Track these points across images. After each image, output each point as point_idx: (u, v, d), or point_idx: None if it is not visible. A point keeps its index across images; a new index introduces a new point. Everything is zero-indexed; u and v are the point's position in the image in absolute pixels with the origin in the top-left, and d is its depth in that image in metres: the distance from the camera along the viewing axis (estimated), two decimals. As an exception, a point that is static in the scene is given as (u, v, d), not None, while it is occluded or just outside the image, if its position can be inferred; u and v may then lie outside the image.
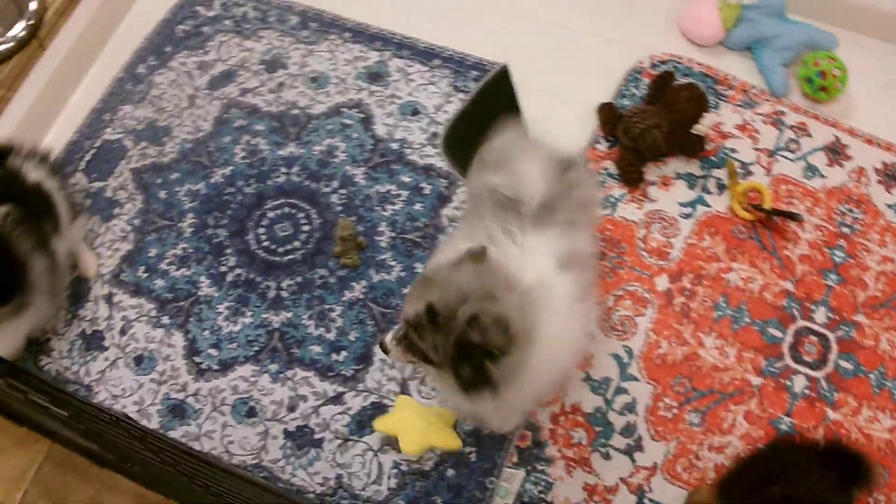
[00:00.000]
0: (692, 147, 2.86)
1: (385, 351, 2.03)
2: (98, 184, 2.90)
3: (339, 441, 2.49)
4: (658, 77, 2.97)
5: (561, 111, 2.93)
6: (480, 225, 2.10)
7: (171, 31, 3.24)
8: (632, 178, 2.83)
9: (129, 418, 1.47)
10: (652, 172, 2.88)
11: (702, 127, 2.82)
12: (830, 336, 2.66)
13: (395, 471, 2.45)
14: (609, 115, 2.91)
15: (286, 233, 2.77)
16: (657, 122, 2.78)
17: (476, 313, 1.84)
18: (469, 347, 1.87)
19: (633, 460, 2.48)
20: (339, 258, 2.70)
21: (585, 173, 2.28)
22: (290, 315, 2.64)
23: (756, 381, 2.58)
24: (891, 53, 3.24)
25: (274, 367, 2.58)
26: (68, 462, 2.54)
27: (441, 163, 2.87)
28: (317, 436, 2.49)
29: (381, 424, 2.45)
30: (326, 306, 2.65)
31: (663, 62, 3.11)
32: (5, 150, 2.47)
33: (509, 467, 2.45)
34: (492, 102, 2.92)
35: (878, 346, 2.66)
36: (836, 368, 2.62)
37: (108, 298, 2.71)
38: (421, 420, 2.42)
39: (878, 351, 2.65)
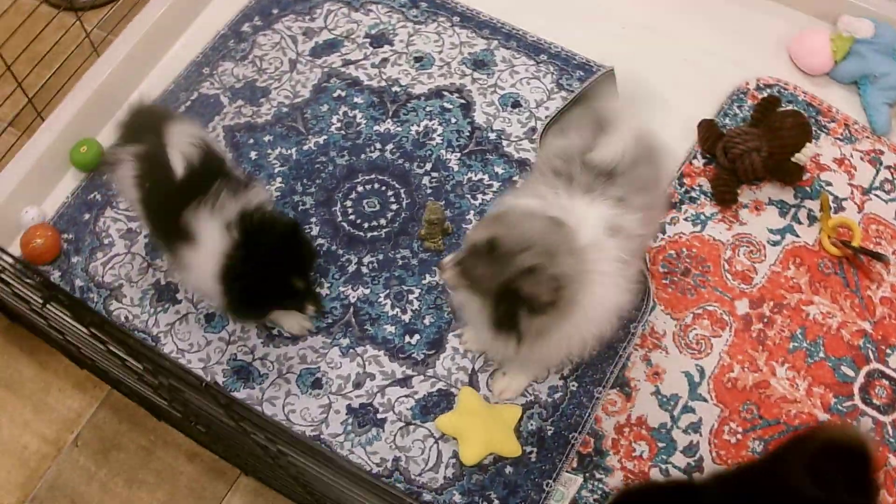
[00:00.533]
0: (790, 175, 2.84)
1: (442, 271, 2.08)
2: (191, 136, 2.90)
3: (402, 424, 2.48)
4: (763, 100, 2.95)
5: (661, 122, 2.89)
6: (535, 186, 2.16)
7: (281, -7, 3.25)
8: (725, 198, 2.81)
9: (218, 385, 1.46)
10: (745, 195, 2.86)
11: (802, 156, 2.79)
12: (898, 384, 2.62)
13: (453, 460, 2.44)
14: (709, 132, 2.89)
15: (373, 209, 2.77)
16: (758, 146, 2.76)
17: (536, 266, 1.91)
18: (512, 292, 1.94)
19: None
20: (424, 241, 2.69)
21: (652, 153, 2.29)
22: (367, 291, 2.64)
23: (823, 416, 2.55)
24: None
25: (345, 342, 2.58)
26: (126, 410, 2.56)
27: (537, 158, 2.84)
28: (380, 415, 2.49)
29: (444, 424, 2.46)
30: (405, 287, 2.65)
31: (769, 86, 3.08)
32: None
33: (568, 472, 2.44)
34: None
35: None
36: (905, 416, 2.57)
37: (188, 252, 2.71)
38: (483, 425, 2.44)
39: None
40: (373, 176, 2.83)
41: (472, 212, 2.76)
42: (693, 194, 2.84)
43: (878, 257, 2.75)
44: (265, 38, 3.13)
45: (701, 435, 2.52)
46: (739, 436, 2.51)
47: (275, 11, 3.19)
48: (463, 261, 2.03)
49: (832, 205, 2.86)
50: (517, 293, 1.94)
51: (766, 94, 3.01)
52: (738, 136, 2.80)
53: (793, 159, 2.80)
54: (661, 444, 2.49)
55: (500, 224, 2.00)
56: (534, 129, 2.92)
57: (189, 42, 3.16)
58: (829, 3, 3.20)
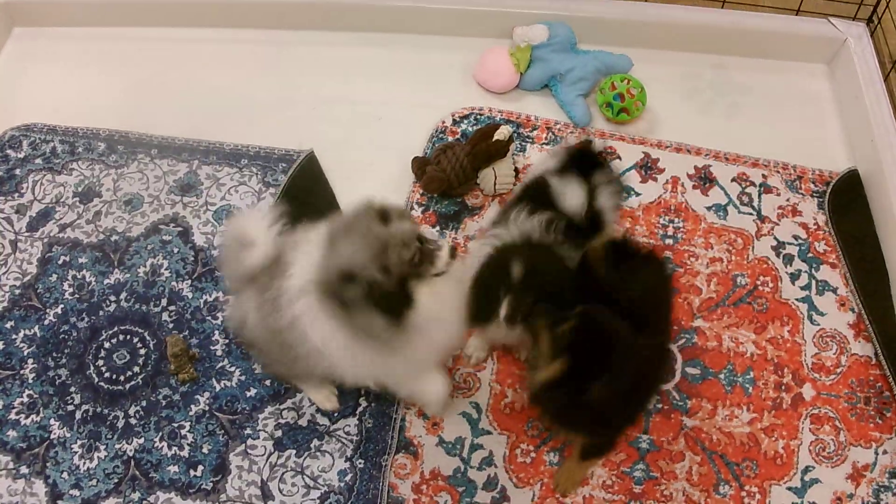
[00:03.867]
0: (497, 151, 2.95)
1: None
2: (-67, 347, 2.88)
3: (213, 556, 2.49)
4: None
5: (378, 182, 3.00)
6: None
7: (-15, 179, 3.23)
8: (449, 193, 2.99)
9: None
10: (469, 228, 2.94)
11: (501, 133, 2.94)
12: (672, 347, 2.71)
13: (272, 576, 2.45)
14: (421, 164, 3.00)
15: (124, 360, 2.78)
16: (456, 148, 2.93)
17: None
18: None
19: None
20: (177, 375, 2.71)
21: None
22: (141, 441, 2.65)
23: (610, 408, 2.61)
24: (686, 62, 3.36)
25: (136, 496, 2.58)
26: None
27: (263, 259, 2.89)
28: (190, 555, 2.49)
29: None
30: (175, 424, 2.66)
31: (464, 116, 3.18)
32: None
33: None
34: (302, 189, 2.98)
35: (721, 345, 2.74)
36: (684, 377, 2.69)
37: (-36, 460, 2.68)
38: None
39: (722, 350, 2.74)
40: (115, 329, 2.84)
41: (216, 332, 2.80)
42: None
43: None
44: (-18, 227, 3.11)
45: (496, 466, 2.57)
46: (533, 454, 2.58)
47: (-16, 199, 3.18)
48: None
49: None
50: None
51: (463, 126, 3.09)
52: (440, 149, 2.96)
53: (495, 138, 2.94)
54: (461, 489, 2.54)
55: None
56: (253, 233, 2.94)
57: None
58: (499, 20, 3.32)
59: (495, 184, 2.94)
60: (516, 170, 3.01)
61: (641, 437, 2.59)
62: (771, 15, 3.43)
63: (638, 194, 3.01)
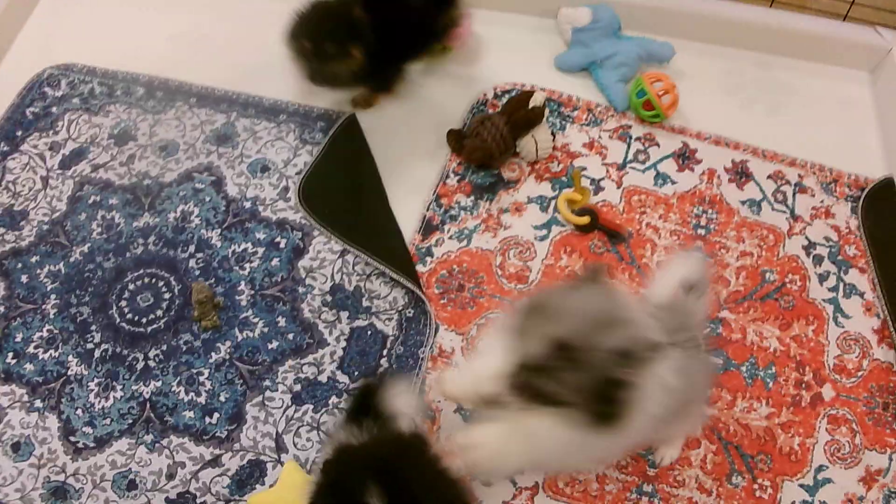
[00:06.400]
0: (535, 117, 2.96)
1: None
2: (-41, 277, 2.88)
3: (222, 503, 2.48)
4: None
5: (413, 152, 2.99)
6: None
7: (22, 114, 3.22)
8: (489, 165, 2.99)
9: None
10: (503, 200, 2.93)
11: (537, 99, 2.97)
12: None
13: (277, 527, 2.44)
14: (457, 137, 3.01)
15: (148, 303, 2.77)
16: (494, 118, 2.93)
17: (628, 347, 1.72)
18: (617, 382, 1.72)
19: (515, 483, 2.51)
20: (200, 321, 2.70)
21: None
22: (159, 384, 2.64)
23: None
24: (729, 57, 3.34)
25: (149, 438, 2.57)
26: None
27: (294, 215, 2.89)
28: (199, 500, 2.49)
29: (255, 500, 2.44)
30: (194, 370, 2.65)
31: (506, 91, 3.17)
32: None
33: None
34: (342, 151, 2.98)
35: (745, 338, 2.73)
36: (706, 367, 2.65)
37: (-21, 389, 2.68)
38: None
39: (745, 343, 2.73)
40: (141, 271, 2.84)
41: (242, 282, 2.80)
42: (453, 212, 2.90)
43: (616, 236, 2.85)
44: (14, 161, 3.10)
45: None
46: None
47: (19, 133, 3.17)
48: (526, 381, 1.76)
49: (590, 187, 2.94)
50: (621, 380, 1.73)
51: (505, 100, 3.09)
52: (478, 121, 2.96)
53: (531, 105, 2.96)
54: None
55: (551, 322, 1.77)
56: (286, 189, 2.97)
57: (-58, 185, 3.12)
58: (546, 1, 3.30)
59: (537, 150, 2.94)
60: (553, 134, 3.02)
61: (658, 422, 2.57)
62: (818, 18, 3.40)
63: (674, 182, 2.99)
